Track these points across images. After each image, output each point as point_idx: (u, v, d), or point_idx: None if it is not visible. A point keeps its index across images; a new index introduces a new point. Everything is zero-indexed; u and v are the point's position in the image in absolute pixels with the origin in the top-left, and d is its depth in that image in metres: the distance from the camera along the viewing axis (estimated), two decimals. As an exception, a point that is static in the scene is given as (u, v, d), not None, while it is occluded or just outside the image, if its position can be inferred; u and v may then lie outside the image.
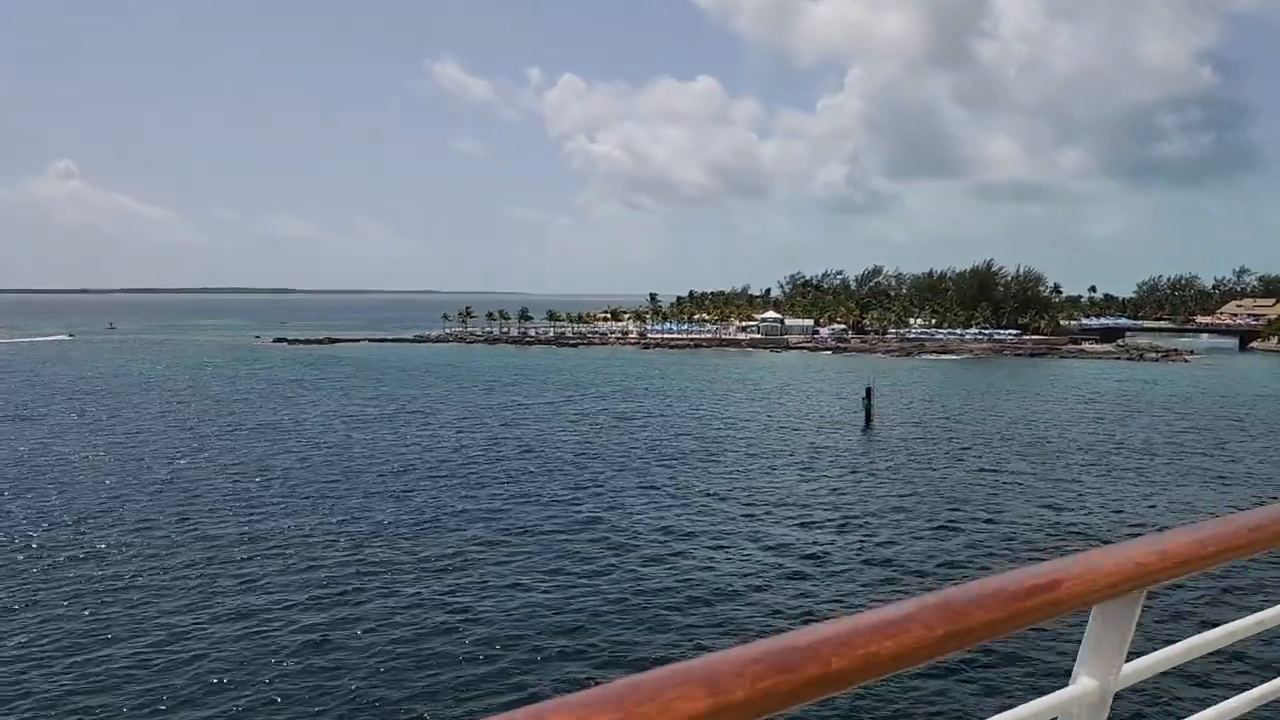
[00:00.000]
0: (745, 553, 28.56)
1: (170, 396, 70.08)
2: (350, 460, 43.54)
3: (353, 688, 18.52)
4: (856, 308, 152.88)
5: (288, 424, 55.26)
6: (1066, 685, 1.63)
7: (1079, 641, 1.61)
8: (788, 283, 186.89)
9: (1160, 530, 1.69)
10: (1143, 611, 1.53)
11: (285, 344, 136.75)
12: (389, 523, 31.64)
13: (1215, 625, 1.86)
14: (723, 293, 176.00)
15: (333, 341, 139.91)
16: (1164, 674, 1.87)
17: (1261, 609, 1.97)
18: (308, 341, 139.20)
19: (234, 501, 34.67)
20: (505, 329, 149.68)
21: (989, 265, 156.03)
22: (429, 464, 42.73)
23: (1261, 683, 2.00)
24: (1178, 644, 1.79)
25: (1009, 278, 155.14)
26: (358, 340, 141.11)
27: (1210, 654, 1.86)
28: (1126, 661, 1.62)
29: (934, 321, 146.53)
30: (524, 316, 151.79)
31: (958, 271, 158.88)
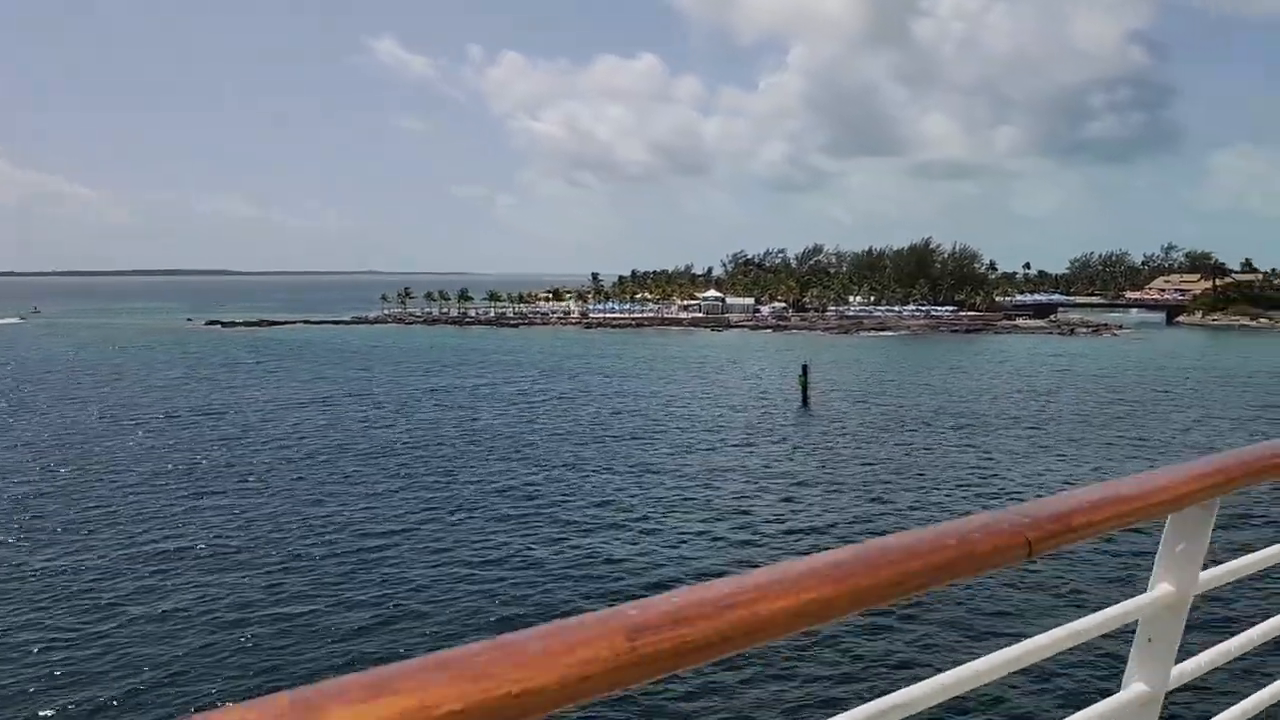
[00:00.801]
0: (678, 530, 28.53)
1: (94, 382, 68.05)
2: (280, 445, 42.59)
3: (276, 667, 18.09)
4: (797, 286, 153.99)
5: (215, 410, 53.92)
6: (1145, 592, 1.66)
7: (1153, 552, 1.66)
8: (730, 262, 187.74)
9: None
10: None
11: (219, 327, 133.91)
12: (319, 507, 30.99)
13: None
14: (665, 272, 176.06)
15: (267, 324, 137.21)
16: (1238, 582, 1.89)
17: None
18: (241, 324, 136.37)
19: (154, 489, 33.70)
20: (445, 310, 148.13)
21: (926, 243, 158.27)
22: (361, 448, 41.95)
23: None
24: (1253, 553, 1.84)
25: (945, 255, 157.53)
26: (293, 322, 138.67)
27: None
28: (1204, 569, 1.66)
29: (873, 299, 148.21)
30: (463, 297, 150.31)
31: (896, 249, 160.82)
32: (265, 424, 48.71)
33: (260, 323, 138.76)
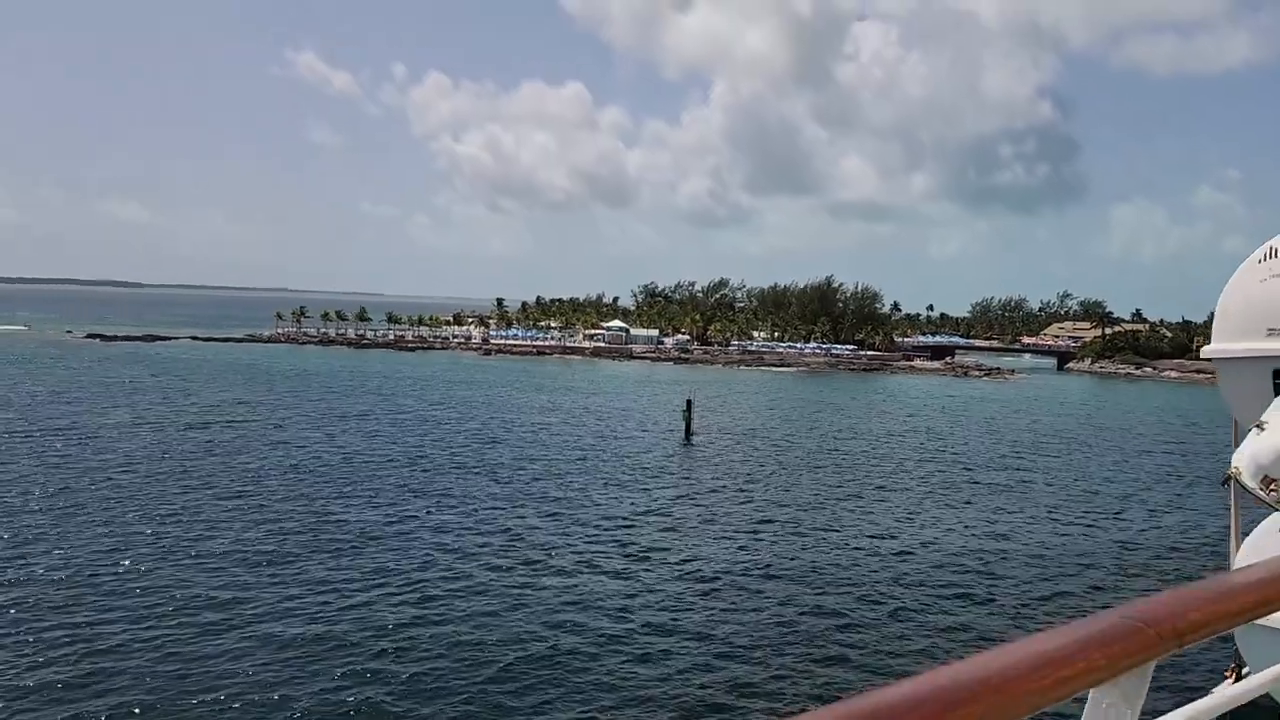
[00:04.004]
0: (529, 569, 26.92)
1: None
2: (122, 473, 39.51)
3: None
4: (701, 319, 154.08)
5: (63, 432, 50.30)
6: None
7: None
8: (641, 292, 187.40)
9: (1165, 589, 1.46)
10: None
11: (99, 340, 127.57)
12: (155, 543, 28.43)
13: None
14: (576, 299, 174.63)
15: (152, 339, 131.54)
16: None
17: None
18: (125, 338, 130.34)
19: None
20: (342, 330, 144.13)
21: (829, 281, 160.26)
22: (207, 479, 39.21)
23: None
24: (1196, 703, 1.61)
25: (848, 294, 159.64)
26: (180, 338, 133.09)
27: None
28: None
29: (776, 334, 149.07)
30: (361, 317, 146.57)
31: (801, 287, 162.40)
32: (107, 448, 45.46)
33: (146, 337, 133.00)
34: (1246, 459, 3.20)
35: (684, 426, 58.76)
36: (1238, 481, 3.17)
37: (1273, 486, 3.05)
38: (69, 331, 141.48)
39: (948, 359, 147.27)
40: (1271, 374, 3.57)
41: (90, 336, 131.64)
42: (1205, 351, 4.10)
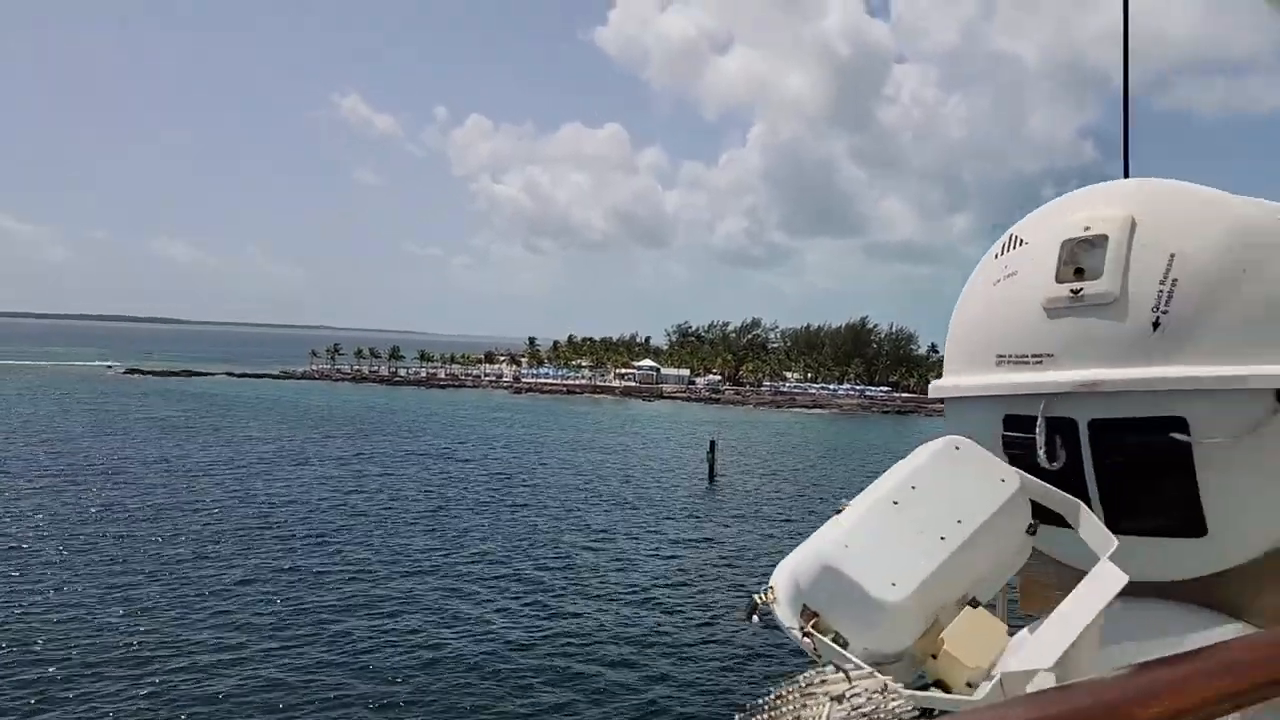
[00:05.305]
0: (544, 607, 26.51)
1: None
2: (145, 509, 39.55)
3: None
4: (733, 359, 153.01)
5: (94, 468, 50.64)
6: None
7: None
8: (674, 331, 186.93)
9: None
10: None
11: (138, 375, 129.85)
12: (150, 582, 28.20)
13: None
14: (608, 339, 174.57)
15: (189, 374, 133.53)
16: None
17: None
18: (162, 374, 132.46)
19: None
20: (375, 368, 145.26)
21: (863, 322, 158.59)
22: (229, 516, 39.12)
23: None
24: None
25: (882, 335, 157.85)
26: (215, 374, 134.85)
27: None
28: None
29: (809, 375, 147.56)
30: (394, 355, 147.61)
31: (834, 327, 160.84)
32: (128, 481, 45.68)
33: (183, 373, 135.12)
34: (785, 574, 2.04)
35: (708, 469, 58.02)
36: (771, 610, 1.88)
37: (814, 625, 1.87)
38: (109, 366, 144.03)
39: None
40: (1003, 421, 2.32)
41: (129, 372, 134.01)
42: (933, 389, 2.69)
